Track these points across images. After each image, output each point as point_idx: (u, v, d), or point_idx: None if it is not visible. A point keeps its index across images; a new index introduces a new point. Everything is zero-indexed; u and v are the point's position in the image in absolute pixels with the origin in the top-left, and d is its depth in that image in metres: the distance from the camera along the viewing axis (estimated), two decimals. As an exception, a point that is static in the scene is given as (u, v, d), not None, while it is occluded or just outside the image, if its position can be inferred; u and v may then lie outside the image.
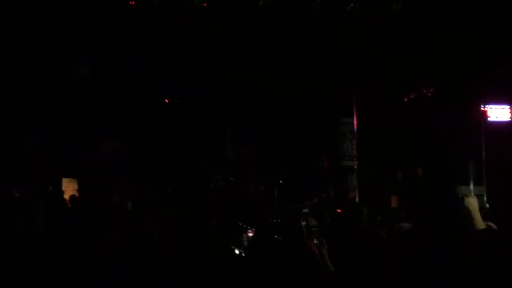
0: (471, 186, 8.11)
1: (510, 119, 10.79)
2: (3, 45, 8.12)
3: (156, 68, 9.68)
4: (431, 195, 9.20)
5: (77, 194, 8.03)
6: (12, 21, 8.05)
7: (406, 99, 10.51)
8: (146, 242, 3.51)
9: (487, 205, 7.84)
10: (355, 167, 9.08)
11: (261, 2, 7.46)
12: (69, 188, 8.77)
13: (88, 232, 3.77)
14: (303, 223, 4.52)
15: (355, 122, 9.16)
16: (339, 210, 7.79)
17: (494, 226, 6.90)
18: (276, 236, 3.84)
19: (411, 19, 7.80)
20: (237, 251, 4.21)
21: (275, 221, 3.97)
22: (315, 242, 3.88)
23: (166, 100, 11.07)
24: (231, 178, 9.63)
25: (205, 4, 7.95)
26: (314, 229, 4.13)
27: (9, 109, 8.62)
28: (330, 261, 3.75)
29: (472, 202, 3.11)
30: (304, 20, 7.89)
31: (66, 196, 7.92)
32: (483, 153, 8.29)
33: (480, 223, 2.96)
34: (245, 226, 5.91)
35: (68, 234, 3.92)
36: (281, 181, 9.34)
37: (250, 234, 4.47)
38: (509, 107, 10.81)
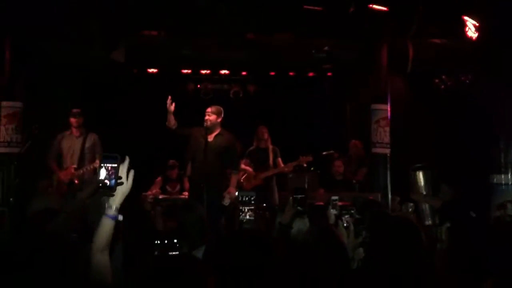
0: (509, 175, 7.88)
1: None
2: None
3: None
4: (466, 184, 8.97)
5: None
6: None
7: (443, 86, 10.22)
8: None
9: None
10: (388, 154, 8.90)
11: None
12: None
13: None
14: (332, 210, 4.50)
15: (389, 109, 8.95)
16: (371, 197, 7.69)
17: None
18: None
19: None
20: None
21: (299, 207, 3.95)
22: (345, 225, 3.85)
23: None
24: None
25: None
26: (344, 211, 4.11)
27: None
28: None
29: None
30: None
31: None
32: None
33: None
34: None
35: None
36: (312, 168, 9.27)
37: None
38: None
